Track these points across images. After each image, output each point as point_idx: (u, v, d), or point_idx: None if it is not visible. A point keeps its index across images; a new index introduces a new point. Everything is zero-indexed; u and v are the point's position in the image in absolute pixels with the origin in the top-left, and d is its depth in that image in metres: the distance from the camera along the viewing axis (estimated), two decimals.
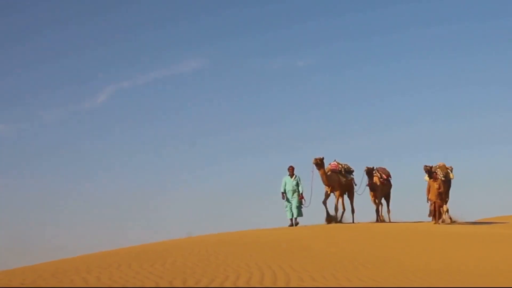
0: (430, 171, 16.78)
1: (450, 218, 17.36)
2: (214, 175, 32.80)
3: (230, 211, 27.99)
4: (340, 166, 17.04)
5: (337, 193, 16.49)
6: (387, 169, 18.26)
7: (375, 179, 17.49)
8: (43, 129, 33.90)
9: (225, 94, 36.65)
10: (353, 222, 16.80)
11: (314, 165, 16.06)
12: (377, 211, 17.46)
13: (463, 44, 37.22)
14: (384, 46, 37.53)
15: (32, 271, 6.43)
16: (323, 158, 16.17)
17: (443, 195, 16.67)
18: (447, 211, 17.42)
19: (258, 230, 13.34)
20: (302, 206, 15.58)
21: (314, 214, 16.27)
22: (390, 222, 17.37)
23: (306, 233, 12.41)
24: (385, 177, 17.76)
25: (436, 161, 17.78)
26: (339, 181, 16.56)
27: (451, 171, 17.84)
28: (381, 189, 17.52)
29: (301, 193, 15.62)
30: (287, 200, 15.59)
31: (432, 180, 16.51)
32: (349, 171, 17.30)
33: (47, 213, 29.15)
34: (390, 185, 18.00)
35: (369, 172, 17.24)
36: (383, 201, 17.81)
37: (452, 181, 17.89)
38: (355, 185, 17.27)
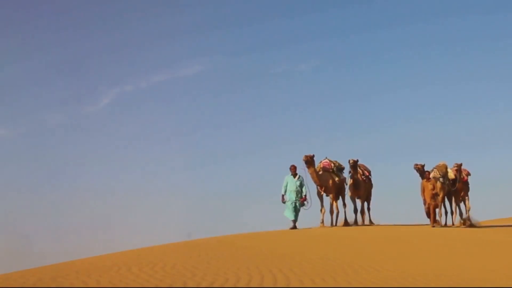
0: (421, 170, 16.07)
1: (470, 221, 16.88)
2: (214, 178, 32.83)
3: (230, 214, 28.01)
4: (332, 164, 16.05)
5: (332, 195, 15.61)
6: (368, 166, 17.01)
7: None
8: (46, 133, 33.95)
9: (227, 97, 36.74)
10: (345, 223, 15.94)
11: (304, 163, 15.13)
12: (362, 211, 16.30)
13: (466, 40, 37.15)
14: (384, 44, 37.57)
15: (32, 275, 6.42)
16: (313, 156, 15.22)
17: (438, 197, 16.02)
18: (468, 212, 16.83)
19: (258, 233, 13.33)
20: (301, 208, 14.83)
21: (313, 217, 15.87)
22: (371, 224, 16.44)
23: (306, 236, 12.39)
24: (366, 173, 16.68)
25: (437, 161, 17.03)
26: (333, 181, 15.64)
27: (467, 173, 16.99)
28: (363, 187, 16.33)
29: (305, 195, 14.92)
30: (289, 201, 14.81)
31: (425, 180, 15.94)
32: (340, 169, 16.29)
33: (48, 216, 29.16)
34: (371, 184, 16.88)
35: (355, 165, 16.02)
36: (354, 201, 16.36)
37: (464, 181, 16.86)
38: (346, 184, 16.23)
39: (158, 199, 30.97)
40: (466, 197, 17.14)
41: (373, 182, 16.99)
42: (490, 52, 36.68)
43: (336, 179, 15.79)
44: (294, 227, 14.71)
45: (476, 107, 36.03)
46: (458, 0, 37.45)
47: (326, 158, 16.05)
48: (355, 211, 16.30)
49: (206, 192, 31.10)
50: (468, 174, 17.32)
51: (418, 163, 16.28)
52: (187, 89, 36.43)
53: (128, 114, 35.91)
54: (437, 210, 16.18)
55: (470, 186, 17.46)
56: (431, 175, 16.21)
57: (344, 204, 16.19)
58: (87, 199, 30.86)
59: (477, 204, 17.46)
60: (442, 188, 16.30)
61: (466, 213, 17.19)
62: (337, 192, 15.94)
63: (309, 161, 15.10)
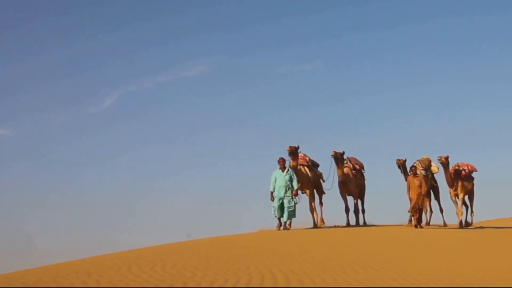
0: (403, 166, 15.20)
1: (467, 222, 15.81)
2: (215, 178, 32.85)
3: (230, 214, 28.02)
4: (307, 158, 14.89)
5: (308, 191, 14.57)
6: (360, 159, 15.97)
7: (347, 170, 15.22)
8: (49, 133, 33.99)
9: (230, 97, 36.78)
10: (321, 223, 14.87)
11: (288, 154, 13.86)
12: (356, 210, 15.23)
13: (467, 40, 37.06)
14: (387, 44, 37.50)
15: (32, 275, 6.42)
16: (298, 147, 14.09)
17: (425, 194, 14.86)
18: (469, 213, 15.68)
19: (258, 233, 13.32)
20: (296, 204, 13.58)
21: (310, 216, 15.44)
22: (365, 225, 15.56)
23: (305, 236, 12.39)
24: (358, 168, 15.61)
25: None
26: (308, 177, 14.56)
27: (471, 168, 15.67)
28: (355, 183, 15.26)
29: (296, 190, 13.60)
30: (277, 197, 13.55)
31: (411, 176, 14.78)
32: (315, 165, 15.19)
33: (49, 216, 29.22)
34: (363, 179, 15.85)
35: (336, 158, 14.70)
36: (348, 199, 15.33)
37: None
38: (323, 181, 15.17)
39: (158, 199, 31.02)
40: (461, 195, 15.71)
41: (366, 177, 16.02)
42: (490, 52, 36.71)
43: (311, 174, 14.74)
44: (280, 225, 13.56)
45: (476, 107, 36.07)
46: (458, 0, 37.46)
47: (300, 152, 14.76)
48: (347, 210, 15.30)
49: (206, 192, 31.13)
50: (473, 169, 15.94)
51: (401, 158, 15.46)
52: (190, 89, 36.47)
53: (132, 115, 35.99)
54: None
55: (474, 183, 16.05)
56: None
57: (321, 203, 15.19)
58: (88, 199, 30.94)
59: (478, 204, 16.79)
60: (426, 182, 15.20)
61: (468, 216, 16.14)
62: (313, 188, 14.89)
63: (294, 153, 14.00)
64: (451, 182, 15.58)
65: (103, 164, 33.65)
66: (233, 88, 36.80)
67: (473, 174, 16.16)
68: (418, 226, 14.70)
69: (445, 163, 15.30)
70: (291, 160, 14.02)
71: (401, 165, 15.40)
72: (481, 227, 16.45)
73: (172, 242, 11.86)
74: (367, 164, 16.36)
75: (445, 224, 16.39)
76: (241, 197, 30.25)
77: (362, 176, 15.87)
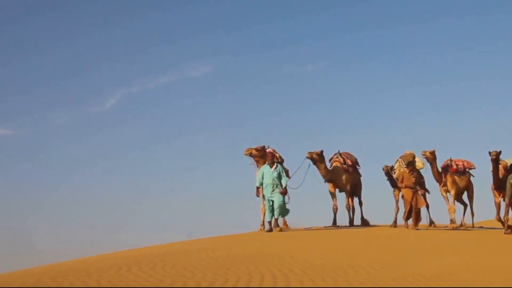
0: (389, 173, 14.25)
1: (455, 222, 14.67)
2: (216, 178, 32.84)
3: (230, 214, 28.02)
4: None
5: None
6: (354, 155, 15.20)
7: (336, 163, 14.48)
8: (51, 133, 33.99)
9: (234, 97, 36.76)
10: (285, 226, 13.77)
11: (252, 158, 13.12)
12: (347, 205, 14.46)
13: (470, 40, 37.05)
14: (391, 44, 37.48)
15: (32, 274, 6.42)
16: (263, 147, 13.21)
17: (415, 192, 13.67)
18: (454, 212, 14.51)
19: (258, 233, 13.31)
20: (286, 202, 12.79)
21: (312, 216, 15.41)
22: (364, 226, 14.95)
23: (306, 237, 12.38)
24: (349, 163, 14.76)
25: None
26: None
27: (463, 164, 14.69)
28: (345, 178, 14.44)
29: (284, 187, 12.66)
30: (264, 196, 12.71)
31: (408, 172, 13.73)
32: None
33: (51, 216, 29.23)
34: (358, 175, 15.07)
35: (314, 159, 13.79)
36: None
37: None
38: (289, 178, 13.72)
39: (158, 199, 31.04)
40: (452, 191, 14.62)
41: (364, 174, 15.33)
42: (490, 52, 36.71)
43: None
44: (270, 230, 12.73)
45: (477, 106, 36.07)
46: (458, 0, 37.47)
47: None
48: (347, 208, 14.68)
49: (206, 192, 31.15)
50: (469, 166, 15.01)
51: (387, 165, 14.56)
52: (194, 90, 36.42)
53: (135, 115, 36.00)
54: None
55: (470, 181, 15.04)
56: (396, 165, 14.47)
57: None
58: (88, 199, 30.95)
59: (477, 204, 16.50)
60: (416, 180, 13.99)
61: (462, 216, 15.43)
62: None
63: (257, 155, 13.18)
64: (439, 178, 14.53)
65: (104, 164, 33.66)
66: (238, 88, 36.76)
67: (472, 172, 15.32)
68: (408, 227, 13.88)
69: (430, 158, 14.19)
70: (255, 163, 13.27)
71: (388, 173, 14.52)
72: (481, 227, 16.31)
73: (172, 242, 11.87)
74: (369, 163, 16.16)
75: (432, 224, 15.64)
76: (241, 197, 30.25)
77: (357, 172, 15.14)
